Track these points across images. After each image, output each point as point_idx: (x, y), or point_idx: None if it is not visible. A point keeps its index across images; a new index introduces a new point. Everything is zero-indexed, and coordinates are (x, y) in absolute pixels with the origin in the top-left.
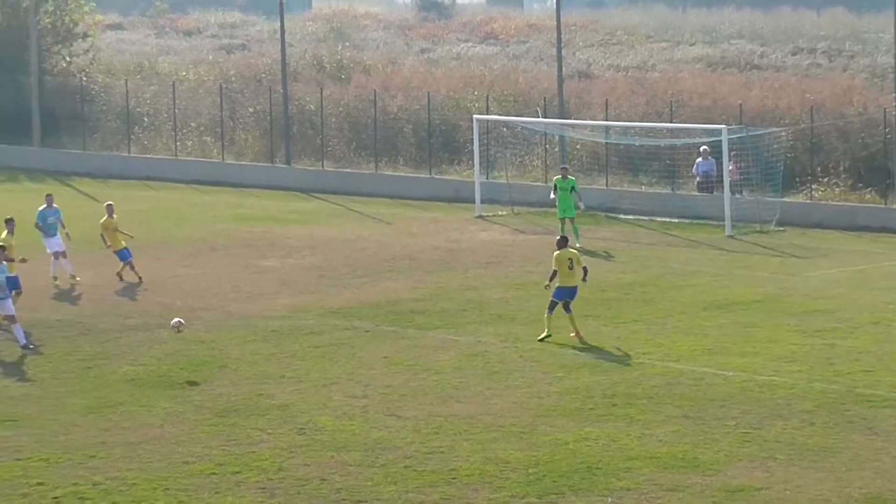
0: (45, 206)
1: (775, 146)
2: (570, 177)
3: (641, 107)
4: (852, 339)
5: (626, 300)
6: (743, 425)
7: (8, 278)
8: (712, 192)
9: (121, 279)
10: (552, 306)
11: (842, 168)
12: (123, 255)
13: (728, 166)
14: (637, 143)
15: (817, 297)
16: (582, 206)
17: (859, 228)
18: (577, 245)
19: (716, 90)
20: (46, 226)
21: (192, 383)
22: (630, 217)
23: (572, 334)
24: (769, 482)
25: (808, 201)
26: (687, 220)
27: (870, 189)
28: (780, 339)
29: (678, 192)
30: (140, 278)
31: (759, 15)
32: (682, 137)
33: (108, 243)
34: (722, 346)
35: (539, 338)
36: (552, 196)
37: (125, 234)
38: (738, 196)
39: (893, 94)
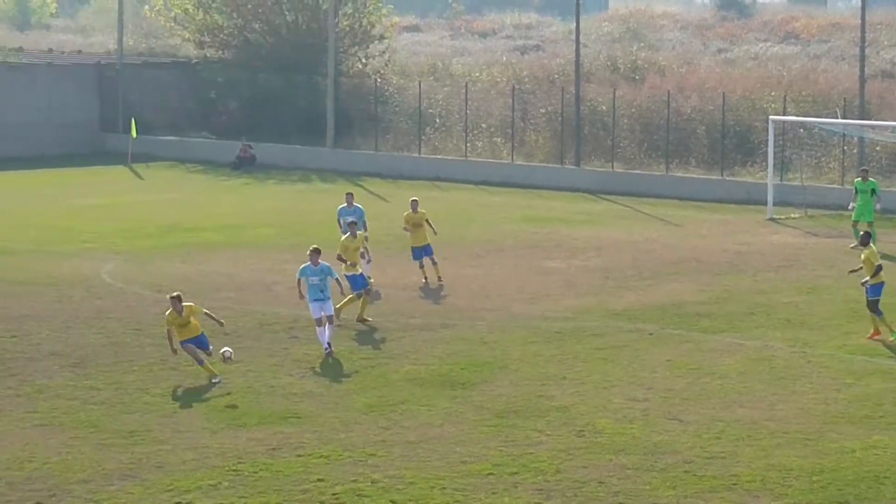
0: (344, 204)
1: None
2: (870, 179)
3: None
4: None
5: None
6: None
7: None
8: None
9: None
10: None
11: None
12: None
13: None
14: None
15: None
16: (878, 206)
17: None
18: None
19: None
20: (345, 224)
21: (465, 384)
22: None
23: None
24: None
25: None
26: None
27: None
28: None
29: None
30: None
31: None
32: None
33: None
34: None
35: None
36: (851, 206)
37: (431, 227)
38: None
39: None
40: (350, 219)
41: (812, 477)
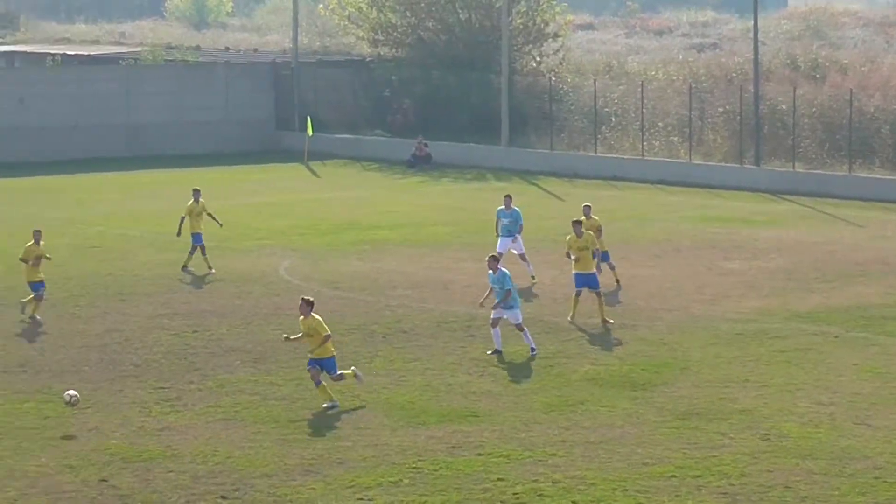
0: (503, 206)
1: None
2: None
3: None
4: None
5: None
6: None
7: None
8: None
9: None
10: None
11: None
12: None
13: None
14: None
15: None
16: None
17: None
18: None
19: None
20: (501, 227)
21: (647, 385)
22: None
23: None
24: None
25: None
26: None
27: None
28: None
29: None
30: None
31: None
32: None
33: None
34: None
35: None
36: None
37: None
38: None
39: None
40: (505, 221)
41: None
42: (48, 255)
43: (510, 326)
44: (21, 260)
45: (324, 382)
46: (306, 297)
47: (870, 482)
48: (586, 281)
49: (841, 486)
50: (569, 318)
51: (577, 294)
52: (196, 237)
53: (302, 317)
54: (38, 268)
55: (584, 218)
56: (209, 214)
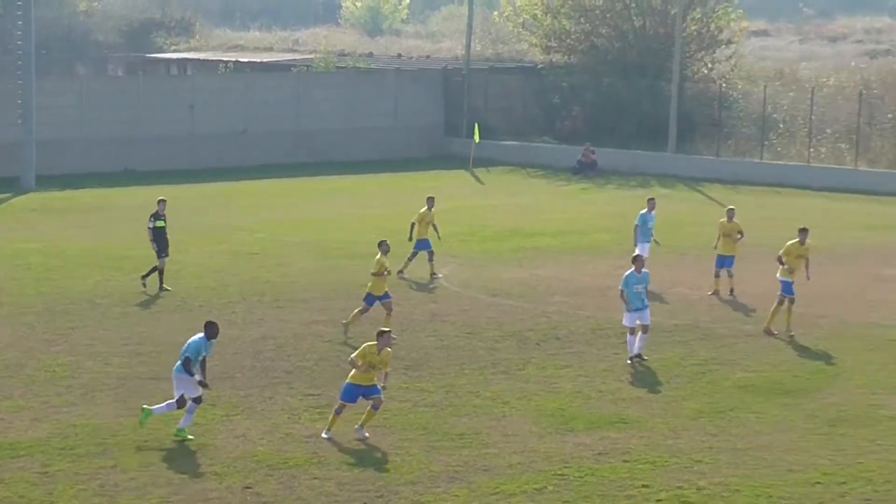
0: (646, 209)
1: None
2: None
3: None
4: None
5: None
6: None
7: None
8: None
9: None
10: None
11: None
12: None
13: None
14: None
15: None
16: None
17: None
18: None
19: None
20: (644, 230)
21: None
22: None
23: None
24: None
25: None
26: None
27: None
28: None
29: None
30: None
31: None
32: None
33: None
34: None
35: None
36: None
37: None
38: None
39: None
40: (650, 224)
41: None
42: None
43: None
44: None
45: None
46: (384, 330)
47: None
48: (790, 289)
49: None
50: (767, 327)
51: (781, 302)
52: (423, 243)
53: (388, 348)
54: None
55: (725, 220)
56: (433, 225)
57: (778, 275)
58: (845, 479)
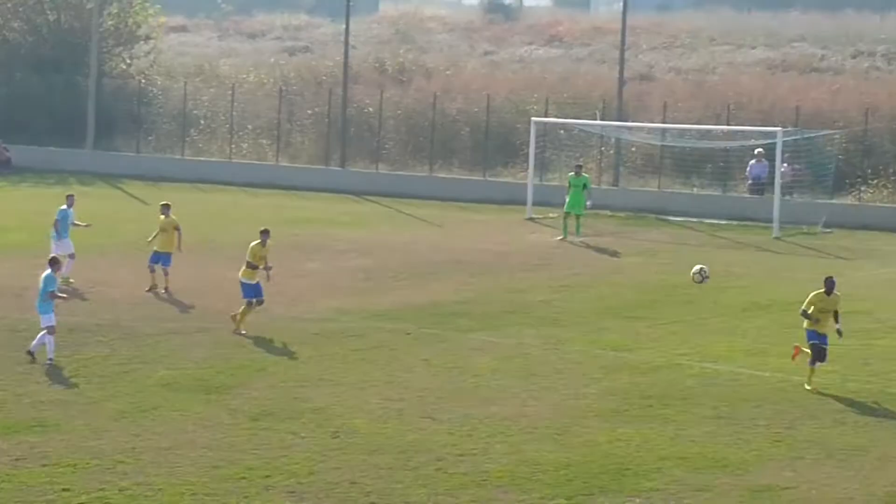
0: (65, 205)
1: (828, 148)
2: (583, 174)
3: (699, 110)
4: (889, 339)
5: (668, 301)
6: (775, 425)
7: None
8: (763, 195)
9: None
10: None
11: (892, 170)
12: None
13: (781, 168)
14: (692, 146)
15: (858, 297)
16: (589, 203)
17: None
18: (578, 240)
19: (774, 93)
20: (64, 226)
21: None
22: (679, 219)
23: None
24: (796, 482)
25: (857, 203)
26: (735, 222)
27: None
28: None
29: (728, 195)
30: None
31: (822, 17)
32: (737, 140)
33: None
34: (760, 346)
35: None
36: (566, 197)
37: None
38: (787, 198)
39: None
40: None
41: (559, 471)
42: None
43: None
44: None
45: None
46: None
47: (432, 474)
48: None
49: (404, 478)
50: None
51: (249, 304)
52: None
53: None
54: None
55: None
56: None
57: None
58: (270, 472)
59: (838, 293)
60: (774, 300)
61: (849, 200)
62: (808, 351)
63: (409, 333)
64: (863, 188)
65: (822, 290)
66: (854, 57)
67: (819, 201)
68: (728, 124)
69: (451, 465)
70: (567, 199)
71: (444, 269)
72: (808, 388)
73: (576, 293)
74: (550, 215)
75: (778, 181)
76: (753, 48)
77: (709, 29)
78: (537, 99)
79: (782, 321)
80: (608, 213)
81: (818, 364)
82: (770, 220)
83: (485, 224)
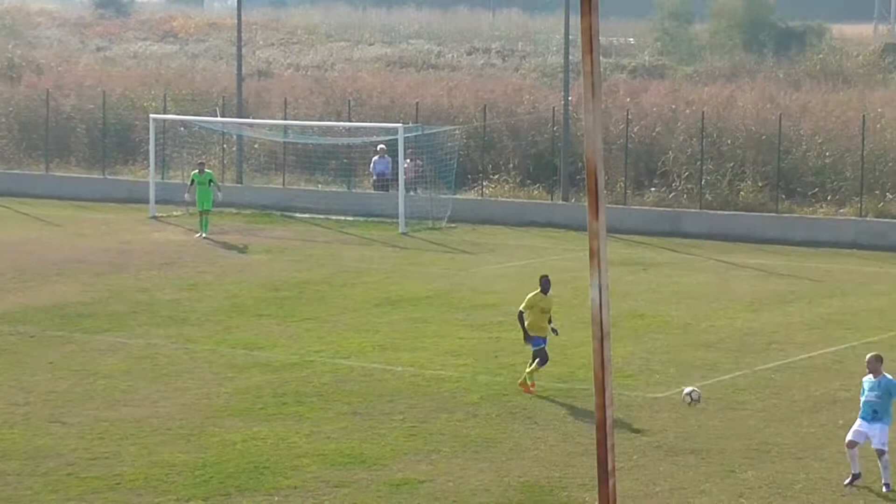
0: None
1: (449, 144)
2: (207, 171)
3: (320, 106)
4: (517, 332)
5: (299, 299)
6: (410, 419)
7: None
8: (388, 191)
9: None
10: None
11: (512, 165)
12: None
13: (404, 164)
14: (315, 142)
15: (485, 291)
16: (220, 196)
17: (527, 224)
18: (203, 236)
19: (394, 89)
20: None
21: None
22: (306, 216)
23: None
24: (433, 474)
25: (480, 198)
26: (362, 219)
27: (538, 185)
28: (449, 334)
29: (354, 191)
30: None
31: (436, 15)
32: (359, 136)
33: None
34: (392, 342)
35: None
36: (186, 196)
37: None
38: (412, 194)
39: (563, 94)
40: None
41: (195, 471)
42: None
43: None
44: None
45: None
46: None
47: (63, 479)
48: None
49: (34, 485)
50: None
51: None
52: None
53: None
54: None
55: None
56: None
57: None
58: None
59: (553, 294)
60: (404, 295)
61: (472, 195)
62: (532, 369)
63: (32, 336)
64: (485, 183)
65: (539, 290)
66: (470, 54)
67: (443, 196)
68: (350, 120)
69: (83, 470)
70: (196, 197)
71: (66, 269)
72: (523, 384)
73: (204, 291)
74: (175, 213)
75: (402, 177)
76: (371, 45)
77: (325, 25)
78: (155, 95)
79: (412, 316)
80: (234, 210)
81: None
82: (396, 216)
83: (107, 223)
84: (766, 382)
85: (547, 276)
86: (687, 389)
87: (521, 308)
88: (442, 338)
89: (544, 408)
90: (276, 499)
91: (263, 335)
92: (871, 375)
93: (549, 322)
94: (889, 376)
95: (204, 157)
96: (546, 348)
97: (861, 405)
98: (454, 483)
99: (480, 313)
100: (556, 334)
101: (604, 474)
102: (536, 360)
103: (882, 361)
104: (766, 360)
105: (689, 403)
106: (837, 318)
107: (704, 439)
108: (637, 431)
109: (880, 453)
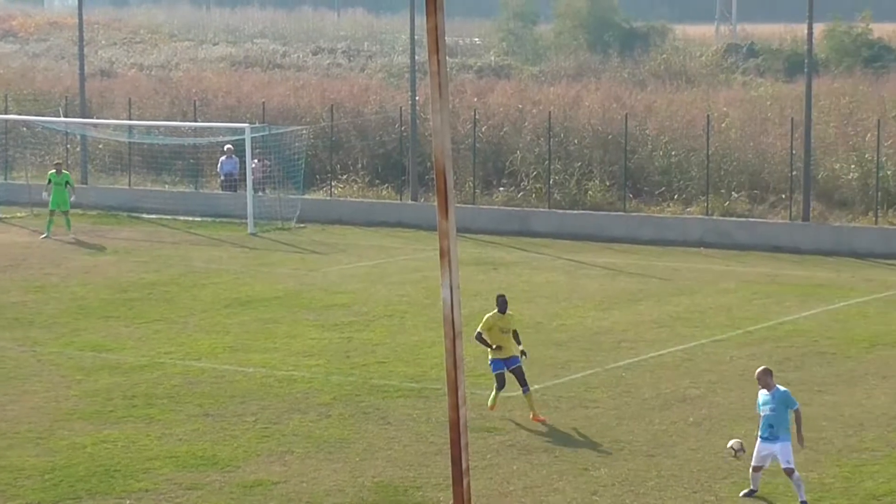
0: None
1: (297, 144)
2: (64, 171)
3: (166, 106)
4: (368, 332)
5: (148, 300)
6: (262, 421)
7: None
8: (236, 191)
9: None
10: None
11: (360, 165)
12: None
13: (252, 164)
14: (161, 142)
15: (335, 291)
16: (73, 199)
17: (377, 224)
18: (70, 236)
19: (240, 89)
20: None
21: None
22: (153, 216)
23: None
24: (286, 476)
25: (329, 198)
26: (210, 219)
27: (387, 185)
28: (300, 335)
29: (202, 191)
30: None
31: (281, 15)
32: (206, 136)
33: None
34: (243, 342)
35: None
36: (45, 195)
37: None
38: (260, 194)
39: (410, 93)
40: None
41: (44, 475)
42: None
43: None
44: None
45: None
46: None
47: None
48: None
49: None
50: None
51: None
52: None
53: None
54: None
55: None
56: None
57: None
58: None
59: (512, 312)
60: (254, 296)
61: (320, 195)
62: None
63: None
64: (333, 183)
65: (496, 310)
66: (315, 54)
67: (292, 196)
68: (195, 121)
69: None
70: (51, 198)
71: None
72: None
73: (50, 294)
74: (19, 214)
75: (250, 177)
76: (216, 44)
77: (169, 25)
78: None
79: (263, 317)
80: (80, 211)
81: (499, 393)
82: (245, 216)
83: None
84: (617, 381)
85: (503, 296)
86: (731, 442)
87: (478, 329)
88: (293, 338)
89: (397, 408)
90: (128, 502)
91: (112, 337)
92: (764, 390)
93: (518, 342)
94: (782, 388)
95: (47, 157)
96: (521, 367)
97: (759, 422)
98: (308, 484)
99: (332, 313)
100: (525, 357)
101: (458, 474)
102: (496, 386)
103: (772, 374)
104: (617, 359)
105: (734, 455)
106: (686, 316)
107: (557, 438)
108: (490, 430)
109: (789, 472)
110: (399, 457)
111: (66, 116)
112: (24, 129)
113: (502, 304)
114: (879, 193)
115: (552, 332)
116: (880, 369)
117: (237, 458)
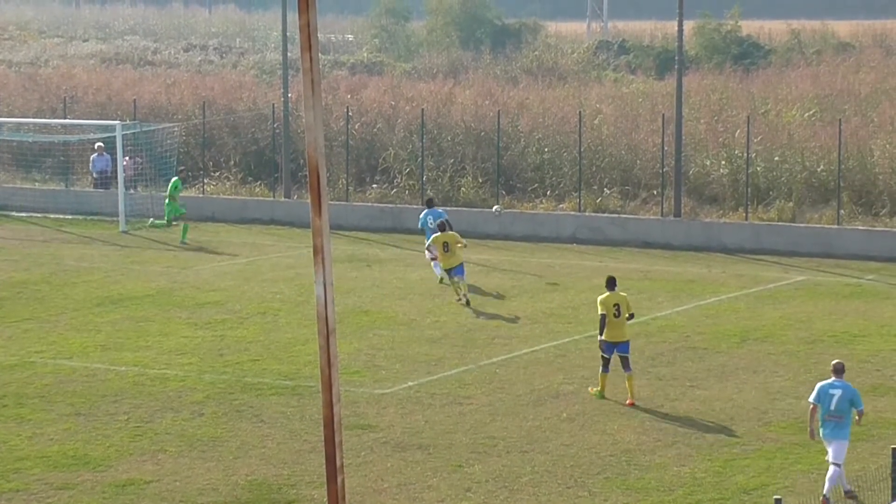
0: None
1: (168, 141)
2: None
3: (35, 102)
4: (241, 330)
5: (17, 299)
6: (134, 419)
7: None
8: (108, 188)
9: None
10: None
11: (233, 162)
12: None
13: (124, 162)
14: (30, 140)
15: (208, 289)
16: None
17: (250, 221)
18: None
19: (110, 86)
20: None
21: None
22: (23, 214)
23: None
24: (159, 474)
25: (201, 195)
26: (81, 217)
27: (259, 183)
28: (172, 333)
29: (72, 189)
30: None
31: (152, 11)
32: (76, 134)
33: None
34: (115, 341)
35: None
36: None
37: None
38: (132, 192)
39: (282, 90)
40: None
41: None
42: None
43: None
44: None
45: None
46: None
47: None
48: None
49: None
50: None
51: None
52: None
53: None
54: None
55: None
56: None
57: None
58: None
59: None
60: (126, 294)
61: (193, 193)
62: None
63: None
64: (206, 180)
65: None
66: (187, 50)
67: (164, 194)
68: (65, 118)
69: None
70: None
71: None
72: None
73: None
74: None
75: (121, 175)
76: (85, 41)
77: (38, 21)
78: None
79: (135, 315)
80: None
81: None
82: (116, 214)
83: None
84: (490, 377)
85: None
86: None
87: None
88: (166, 336)
89: (271, 406)
90: None
91: None
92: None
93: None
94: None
95: None
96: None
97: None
98: (181, 482)
99: (204, 311)
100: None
101: (332, 471)
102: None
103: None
104: (491, 355)
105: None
106: (559, 312)
107: (431, 434)
108: (364, 428)
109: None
110: (273, 455)
111: None
112: None
113: (611, 284)
114: (749, 189)
115: (426, 329)
116: (750, 364)
117: (109, 458)
